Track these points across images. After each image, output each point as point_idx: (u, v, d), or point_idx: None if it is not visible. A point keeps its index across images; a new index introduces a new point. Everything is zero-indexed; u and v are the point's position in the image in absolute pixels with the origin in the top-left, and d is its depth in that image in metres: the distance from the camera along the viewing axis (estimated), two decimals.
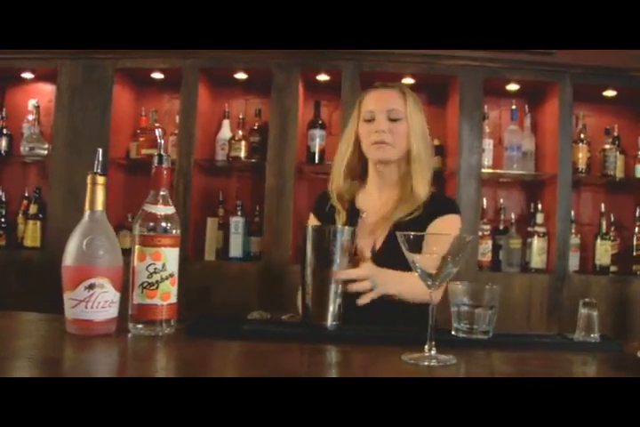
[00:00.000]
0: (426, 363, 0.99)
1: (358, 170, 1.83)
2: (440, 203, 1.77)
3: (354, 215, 1.74)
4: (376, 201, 1.78)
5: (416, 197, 1.70)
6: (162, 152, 1.19)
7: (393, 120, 1.71)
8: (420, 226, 1.63)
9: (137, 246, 1.14)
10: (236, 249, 3.11)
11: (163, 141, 1.21)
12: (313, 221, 1.84)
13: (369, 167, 1.81)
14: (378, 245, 1.70)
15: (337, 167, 1.80)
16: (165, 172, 1.19)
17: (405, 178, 1.74)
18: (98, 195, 1.14)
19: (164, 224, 1.15)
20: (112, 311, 1.12)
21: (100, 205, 1.14)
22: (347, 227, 1.27)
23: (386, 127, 1.69)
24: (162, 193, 1.17)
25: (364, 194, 1.82)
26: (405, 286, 1.45)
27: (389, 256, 1.42)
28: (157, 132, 1.25)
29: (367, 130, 1.72)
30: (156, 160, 1.19)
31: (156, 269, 1.13)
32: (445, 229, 1.65)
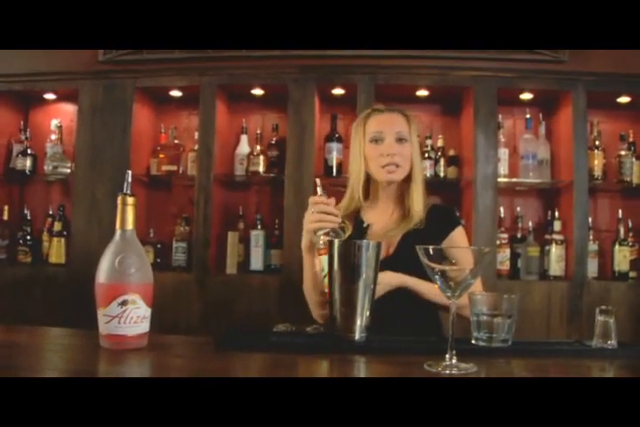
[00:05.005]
0: (447, 371, 1.02)
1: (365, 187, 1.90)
2: (445, 215, 1.91)
3: (358, 226, 1.84)
4: (382, 215, 1.88)
5: (413, 214, 1.80)
6: None
7: (400, 142, 1.80)
8: (431, 237, 1.72)
9: None
10: (256, 262, 3.16)
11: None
12: None
13: (371, 185, 1.89)
14: (390, 252, 1.80)
15: (356, 187, 1.87)
16: None
17: (404, 195, 1.85)
18: (128, 215, 1.19)
19: None
20: (144, 326, 1.17)
21: (130, 225, 1.19)
22: (372, 241, 1.31)
23: (396, 150, 1.78)
24: None
25: (368, 208, 1.90)
26: (412, 280, 1.66)
27: (402, 262, 1.61)
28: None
29: (376, 152, 1.80)
30: None
31: None
32: (461, 241, 1.82)
